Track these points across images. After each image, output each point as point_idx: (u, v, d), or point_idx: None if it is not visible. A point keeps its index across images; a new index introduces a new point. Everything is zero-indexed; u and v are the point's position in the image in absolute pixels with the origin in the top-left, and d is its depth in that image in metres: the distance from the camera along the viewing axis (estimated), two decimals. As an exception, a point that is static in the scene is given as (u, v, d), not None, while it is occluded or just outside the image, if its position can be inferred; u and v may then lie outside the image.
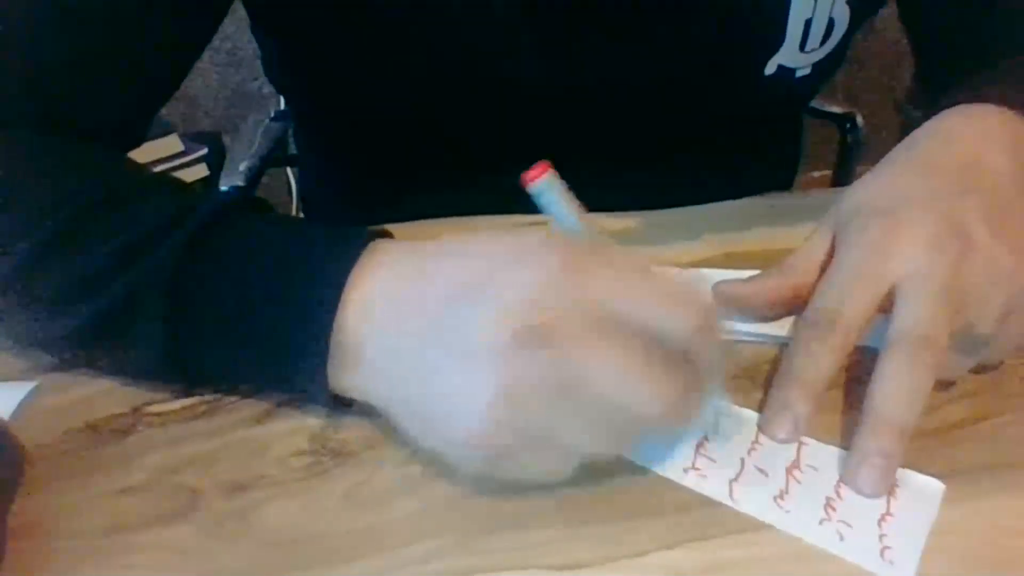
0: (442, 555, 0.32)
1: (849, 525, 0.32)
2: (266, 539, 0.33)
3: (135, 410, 0.39)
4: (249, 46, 1.52)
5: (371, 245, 0.35)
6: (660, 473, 0.34)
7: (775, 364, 0.40)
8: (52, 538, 0.33)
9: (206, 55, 0.52)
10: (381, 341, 0.33)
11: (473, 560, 0.31)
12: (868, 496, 0.33)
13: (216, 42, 0.50)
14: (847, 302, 0.36)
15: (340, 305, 0.33)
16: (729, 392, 0.38)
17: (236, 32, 1.49)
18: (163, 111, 0.62)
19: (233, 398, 0.39)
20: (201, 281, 0.35)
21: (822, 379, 0.36)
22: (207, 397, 0.39)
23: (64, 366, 0.41)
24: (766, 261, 0.42)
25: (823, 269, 0.40)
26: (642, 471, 0.35)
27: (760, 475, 0.34)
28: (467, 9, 0.49)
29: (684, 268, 0.46)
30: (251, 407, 0.38)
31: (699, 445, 0.35)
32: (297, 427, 0.37)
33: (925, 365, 0.34)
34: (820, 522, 0.32)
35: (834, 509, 0.33)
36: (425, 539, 0.32)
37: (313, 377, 0.34)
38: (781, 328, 0.41)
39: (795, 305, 0.40)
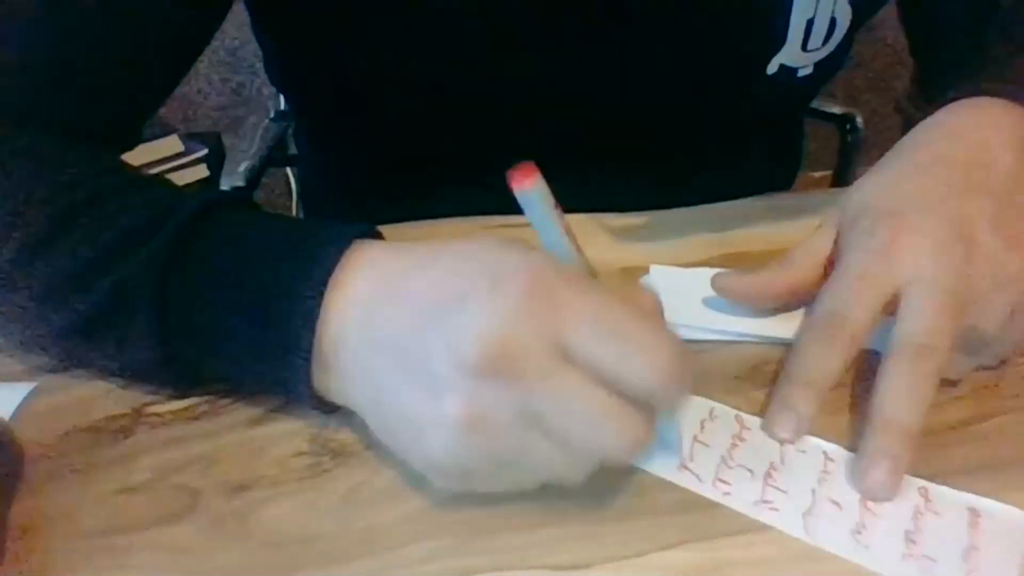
0: (442, 555, 0.32)
1: (934, 560, 0.30)
2: (266, 539, 0.33)
3: (135, 410, 0.39)
4: (249, 46, 1.52)
5: (353, 246, 0.34)
6: (732, 507, 0.33)
7: (778, 365, 0.40)
8: (52, 538, 0.33)
9: (206, 55, 0.51)
10: (355, 352, 0.33)
11: (473, 560, 0.31)
12: (878, 499, 0.33)
13: (216, 42, 0.50)
14: (853, 304, 0.36)
15: (323, 307, 0.33)
16: (729, 393, 0.38)
17: (236, 32, 1.49)
18: (163, 111, 0.62)
19: (233, 399, 0.39)
20: (188, 279, 0.35)
21: (827, 380, 0.36)
22: (207, 397, 0.39)
23: (60, 366, 0.41)
24: (766, 261, 0.42)
25: (824, 266, 0.40)
26: (640, 471, 0.35)
27: (834, 507, 0.33)
28: (469, 8, 0.49)
29: (684, 268, 0.46)
30: (251, 408, 0.38)
31: (767, 476, 0.34)
32: (297, 428, 0.37)
33: (928, 371, 0.34)
34: (903, 557, 0.31)
35: (915, 543, 0.31)
36: (425, 539, 0.32)
37: (297, 381, 0.34)
38: (782, 329, 0.41)
39: (792, 299, 0.41)
